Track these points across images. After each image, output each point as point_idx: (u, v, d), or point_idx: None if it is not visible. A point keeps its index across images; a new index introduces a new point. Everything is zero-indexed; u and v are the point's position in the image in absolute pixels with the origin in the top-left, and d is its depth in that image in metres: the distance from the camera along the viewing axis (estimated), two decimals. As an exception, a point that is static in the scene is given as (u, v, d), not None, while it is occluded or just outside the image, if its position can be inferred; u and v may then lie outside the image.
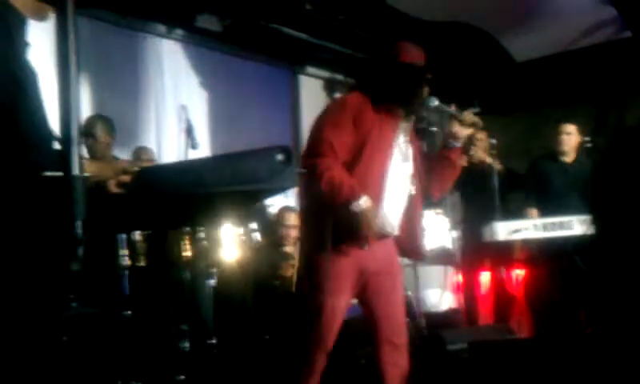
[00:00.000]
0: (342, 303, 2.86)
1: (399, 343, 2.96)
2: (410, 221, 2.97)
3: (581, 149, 5.26)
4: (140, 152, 4.91)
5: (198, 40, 6.03)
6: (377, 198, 2.76)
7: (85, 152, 4.21)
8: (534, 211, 5.13)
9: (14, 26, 1.83)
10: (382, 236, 2.87)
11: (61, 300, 1.23)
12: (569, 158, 5.26)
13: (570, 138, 5.22)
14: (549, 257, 4.92)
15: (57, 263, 1.28)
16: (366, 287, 2.93)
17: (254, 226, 4.41)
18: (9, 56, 1.78)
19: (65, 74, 1.55)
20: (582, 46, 6.93)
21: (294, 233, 4.73)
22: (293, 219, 4.80)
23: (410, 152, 2.98)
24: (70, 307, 1.23)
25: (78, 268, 1.27)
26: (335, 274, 2.81)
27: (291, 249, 4.76)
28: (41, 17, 1.94)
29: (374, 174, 2.78)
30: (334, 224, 2.71)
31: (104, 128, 4.35)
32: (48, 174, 1.76)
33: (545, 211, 4.98)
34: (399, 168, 2.90)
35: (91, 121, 4.36)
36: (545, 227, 4.63)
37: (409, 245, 3.01)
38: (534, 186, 5.30)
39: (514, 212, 5.27)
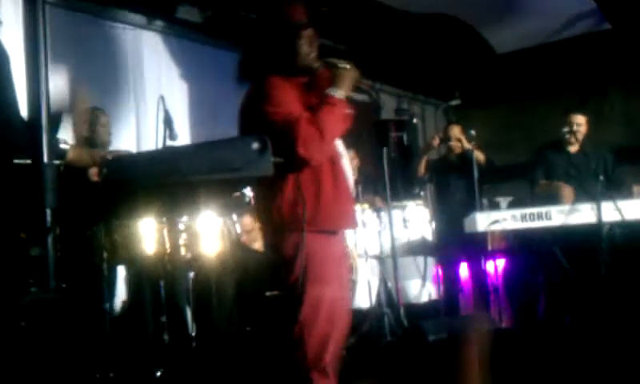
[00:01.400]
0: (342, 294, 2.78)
1: None
2: None
3: (585, 140, 5.30)
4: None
5: (178, 31, 5.99)
6: (344, 178, 2.72)
7: (71, 138, 4.22)
8: (542, 183, 5.17)
9: None
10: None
11: (20, 285, 1.22)
12: (574, 148, 5.28)
13: (580, 129, 5.24)
14: (528, 247, 4.95)
15: (20, 249, 1.27)
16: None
17: (234, 218, 4.40)
18: None
19: (34, 61, 1.53)
20: (562, 38, 6.98)
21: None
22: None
23: None
24: (30, 292, 1.22)
25: (39, 253, 1.26)
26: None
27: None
28: None
29: (336, 157, 2.74)
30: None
31: (107, 120, 4.43)
32: (17, 161, 1.74)
33: (545, 199, 4.99)
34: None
35: (98, 113, 4.41)
36: (523, 218, 4.65)
37: None
38: (541, 173, 5.31)
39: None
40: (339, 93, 2.64)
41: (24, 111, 1.56)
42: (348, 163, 2.83)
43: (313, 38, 2.72)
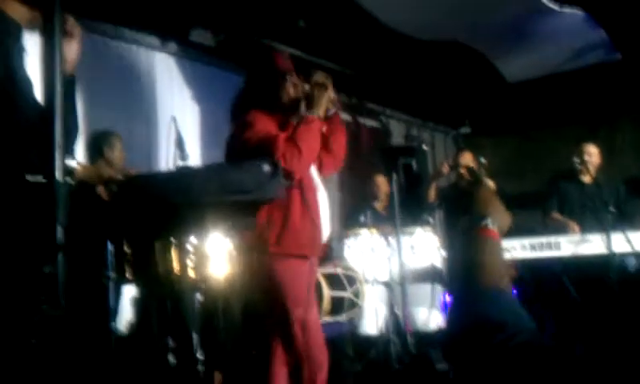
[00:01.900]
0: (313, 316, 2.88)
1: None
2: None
3: (599, 170, 5.29)
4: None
5: (191, 54, 6.04)
6: (315, 207, 2.82)
7: (83, 159, 4.33)
8: (554, 215, 5.15)
9: (7, 33, 1.84)
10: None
11: (31, 302, 1.22)
12: (587, 178, 5.27)
13: (591, 159, 5.24)
14: (537, 276, 4.93)
15: (32, 266, 1.27)
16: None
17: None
18: (0, 65, 1.78)
19: (49, 80, 1.54)
20: (573, 68, 6.99)
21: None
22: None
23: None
24: (41, 309, 1.21)
25: (51, 271, 1.26)
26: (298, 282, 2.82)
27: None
28: (36, 25, 1.94)
29: (308, 186, 2.85)
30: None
31: (121, 143, 4.63)
32: (30, 178, 1.76)
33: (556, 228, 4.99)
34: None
35: (111, 136, 4.60)
36: (533, 247, 4.64)
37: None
38: (554, 203, 5.30)
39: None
40: (315, 112, 2.76)
41: (40, 130, 1.57)
42: (324, 195, 2.96)
43: (297, 83, 2.93)
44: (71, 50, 1.98)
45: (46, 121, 1.53)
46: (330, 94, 2.93)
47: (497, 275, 3.05)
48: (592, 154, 5.26)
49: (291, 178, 2.70)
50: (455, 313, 3.53)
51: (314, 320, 2.91)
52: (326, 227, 2.98)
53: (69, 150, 1.97)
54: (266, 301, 2.91)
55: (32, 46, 1.99)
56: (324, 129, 2.99)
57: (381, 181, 5.93)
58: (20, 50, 1.92)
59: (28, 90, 1.88)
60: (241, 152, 2.77)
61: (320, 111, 2.87)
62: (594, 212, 5.01)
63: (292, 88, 2.97)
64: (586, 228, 4.78)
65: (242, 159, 2.67)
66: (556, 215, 5.21)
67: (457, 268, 3.46)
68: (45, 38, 1.61)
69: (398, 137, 7.78)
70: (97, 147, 4.54)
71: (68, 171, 1.56)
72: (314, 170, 2.96)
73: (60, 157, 1.53)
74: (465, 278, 3.14)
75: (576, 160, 5.21)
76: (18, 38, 1.92)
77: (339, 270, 4.59)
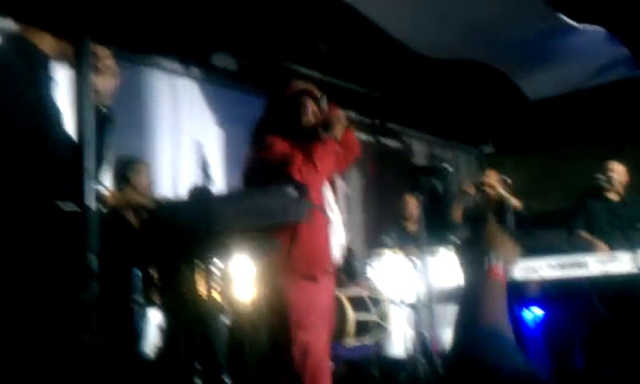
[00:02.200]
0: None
1: None
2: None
3: (627, 188, 5.24)
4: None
5: (213, 78, 6.09)
6: (325, 227, 2.86)
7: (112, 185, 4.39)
8: (581, 233, 5.10)
9: (38, 65, 1.88)
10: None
11: (73, 330, 1.23)
12: (614, 196, 5.22)
13: (617, 177, 5.19)
14: (565, 296, 4.86)
15: (70, 294, 1.29)
16: None
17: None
18: (31, 97, 1.82)
19: (81, 109, 1.57)
20: (596, 85, 6.95)
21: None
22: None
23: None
24: (78, 336, 1.23)
25: (91, 299, 1.28)
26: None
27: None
28: (66, 58, 1.98)
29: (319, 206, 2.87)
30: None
31: (147, 169, 4.70)
32: (64, 206, 1.78)
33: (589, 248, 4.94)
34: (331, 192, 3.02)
35: (138, 163, 4.67)
36: (562, 266, 4.59)
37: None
38: (581, 221, 5.26)
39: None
40: (330, 133, 2.90)
41: (69, 159, 1.60)
42: (339, 216, 2.97)
43: (315, 108, 2.98)
44: (105, 83, 2.02)
45: (77, 149, 1.55)
46: (343, 118, 3.01)
47: (496, 316, 3.01)
48: (617, 171, 5.21)
49: (306, 192, 2.71)
50: (453, 349, 3.49)
51: (320, 346, 2.87)
52: (339, 249, 2.99)
53: (96, 178, 2.00)
54: (277, 322, 2.92)
55: (61, 77, 2.03)
56: (339, 149, 3.04)
57: (411, 201, 5.90)
58: (49, 81, 1.96)
59: (57, 120, 1.92)
60: (260, 173, 2.84)
61: (335, 133, 2.94)
62: (621, 230, 4.95)
63: (310, 113, 3.05)
64: (614, 246, 4.73)
65: (261, 180, 2.75)
66: (583, 234, 5.16)
67: (461, 301, 3.42)
68: (76, 67, 1.64)
69: (420, 157, 7.77)
70: (123, 174, 4.59)
71: (99, 198, 1.58)
72: (327, 191, 2.98)
73: (91, 185, 1.55)
74: (465, 313, 3.11)
75: (601, 178, 5.16)
76: (47, 69, 1.96)
77: (364, 292, 4.57)
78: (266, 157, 2.83)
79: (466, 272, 3.45)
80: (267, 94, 3.33)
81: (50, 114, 1.90)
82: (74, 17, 1.54)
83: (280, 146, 2.88)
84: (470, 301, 3.14)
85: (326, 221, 2.91)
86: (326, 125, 2.96)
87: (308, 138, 2.94)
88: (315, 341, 2.82)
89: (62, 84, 2.03)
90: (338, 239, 2.98)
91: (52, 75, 1.98)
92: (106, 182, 4.55)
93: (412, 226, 5.92)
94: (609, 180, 5.14)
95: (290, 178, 2.64)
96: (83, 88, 1.62)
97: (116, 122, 5.05)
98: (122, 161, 4.76)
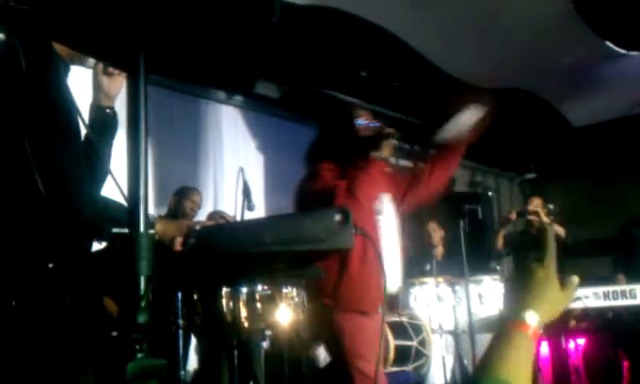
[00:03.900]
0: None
1: None
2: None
3: None
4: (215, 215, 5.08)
5: (256, 105, 6.19)
6: (376, 258, 2.79)
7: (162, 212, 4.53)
8: (621, 277, 5.00)
9: (62, 69, 1.92)
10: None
11: (127, 350, 1.27)
12: None
13: None
14: (610, 326, 4.77)
15: (127, 316, 1.33)
16: None
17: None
18: (56, 96, 1.85)
19: (135, 135, 1.62)
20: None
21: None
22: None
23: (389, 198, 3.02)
24: (136, 358, 1.26)
25: (146, 320, 1.31)
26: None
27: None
28: (79, 60, 2.03)
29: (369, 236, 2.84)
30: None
31: (199, 197, 4.93)
32: (116, 230, 1.83)
33: (633, 277, 4.83)
34: (386, 221, 2.98)
35: (192, 191, 4.92)
36: (606, 296, 4.50)
37: None
38: (623, 251, 5.17)
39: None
40: (378, 155, 2.91)
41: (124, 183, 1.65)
42: (394, 245, 2.92)
43: (368, 130, 2.96)
44: (113, 86, 2.07)
45: (131, 176, 1.60)
46: (394, 141, 2.98)
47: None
48: None
49: (350, 218, 2.75)
50: None
51: (377, 373, 2.84)
52: (394, 279, 2.95)
53: (98, 186, 2.01)
54: (332, 352, 2.89)
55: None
56: (387, 169, 3.02)
57: (432, 228, 5.86)
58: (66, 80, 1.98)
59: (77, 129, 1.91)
60: (306, 200, 2.88)
61: (382, 154, 2.92)
62: None
63: (366, 126, 3.05)
64: None
65: (306, 207, 2.77)
66: (621, 277, 5.04)
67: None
68: (129, 96, 1.69)
69: (461, 183, 7.72)
70: (178, 202, 4.73)
71: (150, 224, 1.63)
72: (382, 219, 2.96)
73: (144, 209, 1.59)
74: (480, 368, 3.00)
75: None
76: (67, 75, 1.98)
77: (404, 319, 4.54)
78: (313, 188, 2.86)
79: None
80: (323, 118, 3.32)
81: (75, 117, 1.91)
82: (129, 50, 1.60)
83: (327, 175, 2.87)
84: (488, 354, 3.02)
85: (379, 249, 2.86)
86: (378, 138, 2.96)
87: (358, 158, 2.91)
88: (373, 369, 2.79)
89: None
90: (393, 268, 2.93)
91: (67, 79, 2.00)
92: (154, 207, 4.67)
93: (438, 253, 5.88)
94: None
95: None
96: (138, 121, 1.67)
97: (162, 148, 5.17)
98: (177, 190, 4.88)
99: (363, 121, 3.04)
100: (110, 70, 2.05)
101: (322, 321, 2.88)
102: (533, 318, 1.32)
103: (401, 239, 3.00)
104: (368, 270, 2.81)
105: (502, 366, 1.27)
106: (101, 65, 2.06)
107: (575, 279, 1.38)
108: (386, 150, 2.96)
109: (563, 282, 1.41)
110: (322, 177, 2.89)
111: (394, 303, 4.98)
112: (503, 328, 1.30)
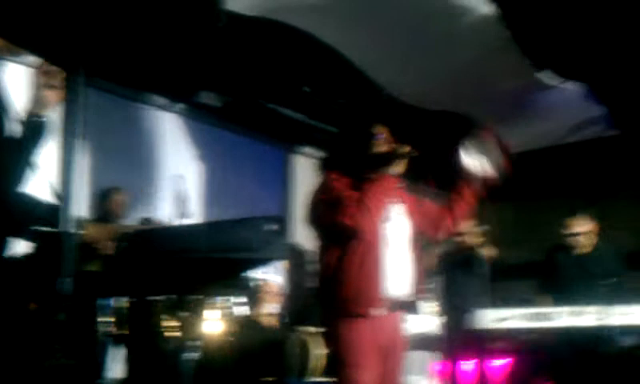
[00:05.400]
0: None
1: None
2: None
3: (597, 238, 5.27)
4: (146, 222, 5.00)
5: (198, 115, 6.17)
6: (376, 264, 2.84)
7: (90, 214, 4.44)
8: (548, 299, 5.13)
9: None
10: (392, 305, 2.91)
11: (45, 349, 1.26)
12: (583, 250, 5.25)
13: (581, 232, 5.21)
14: (535, 347, 4.90)
15: (46, 313, 1.31)
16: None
17: (242, 299, 4.40)
18: None
19: (69, 135, 1.62)
20: (571, 141, 7.09)
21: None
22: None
23: (401, 210, 3.06)
24: (54, 357, 1.25)
25: (64, 319, 1.30)
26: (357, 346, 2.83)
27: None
28: (15, 55, 2.01)
29: (372, 243, 2.87)
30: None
31: (124, 199, 4.87)
32: (43, 229, 1.80)
33: (557, 301, 4.96)
34: (394, 230, 2.98)
35: (112, 191, 4.83)
36: (532, 317, 4.63)
37: None
38: (549, 275, 5.32)
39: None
40: (388, 170, 2.94)
41: (55, 184, 1.63)
42: (401, 253, 2.96)
43: (384, 146, 3.03)
44: (52, 97, 2.04)
45: (63, 176, 1.59)
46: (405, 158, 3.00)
47: None
48: (581, 225, 5.25)
49: (358, 235, 2.80)
50: None
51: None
52: (402, 285, 2.94)
53: (18, 185, 1.99)
54: (331, 356, 2.94)
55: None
56: (400, 184, 3.06)
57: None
58: None
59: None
60: (316, 209, 2.93)
61: (393, 170, 2.96)
62: (588, 284, 4.98)
63: (383, 143, 3.06)
64: (580, 300, 4.75)
65: (318, 218, 2.89)
66: (544, 300, 5.19)
67: None
68: (67, 104, 1.67)
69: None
70: (103, 204, 4.65)
71: (77, 224, 1.62)
72: (390, 227, 2.97)
73: (69, 209, 1.58)
74: None
75: (565, 233, 5.23)
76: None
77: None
78: (323, 199, 2.91)
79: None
80: (341, 127, 3.38)
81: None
82: (70, 52, 1.59)
83: (338, 186, 2.91)
84: None
85: (380, 256, 2.87)
86: (393, 157, 2.98)
87: (370, 172, 2.96)
88: (368, 379, 2.78)
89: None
90: (395, 275, 2.93)
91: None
92: (85, 208, 4.58)
93: None
94: (572, 236, 5.20)
95: (342, 223, 2.76)
96: (76, 121, 1.66)
97: (101, 153, 5.09)
98: (100, 189, 4.80)
99: (381, 136, 3.06)
100: (52, 83, 2.03)
101: (325, 325, 2.95)
102: None
103: (414, 248, 3.03)
104: (366, 274, 2.83)
105: None
106: (43, 78, 2.02)
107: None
108: (399, 167, 3.00)
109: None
110: (334, 188, 2.92)
111: (411, 309, 4.97)
112: None
